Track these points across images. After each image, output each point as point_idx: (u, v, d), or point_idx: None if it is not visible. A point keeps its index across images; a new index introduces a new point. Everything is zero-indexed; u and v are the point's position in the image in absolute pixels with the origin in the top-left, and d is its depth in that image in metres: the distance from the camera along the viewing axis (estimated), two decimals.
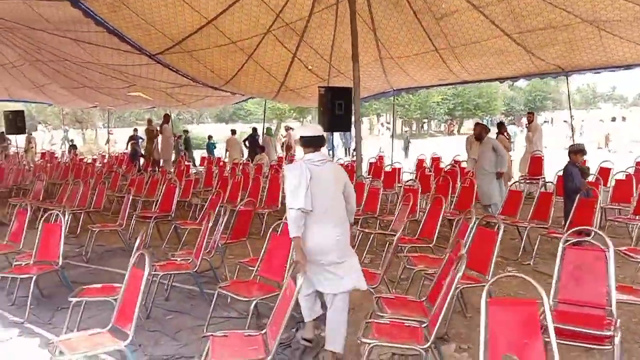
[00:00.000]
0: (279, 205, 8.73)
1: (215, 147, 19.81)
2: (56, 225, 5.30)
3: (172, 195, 7.89)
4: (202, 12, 8.96)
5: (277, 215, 9.06)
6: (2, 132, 22.06)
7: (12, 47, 15.02)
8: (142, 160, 15.89)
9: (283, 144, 18.61)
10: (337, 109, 9.21)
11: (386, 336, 3.25)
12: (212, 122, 52.78)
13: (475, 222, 4.75)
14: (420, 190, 7.67)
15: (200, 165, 16.37)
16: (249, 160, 14.99)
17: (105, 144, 23.07)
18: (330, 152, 24.27)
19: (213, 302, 4.41)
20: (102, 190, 8.85)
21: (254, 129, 17.10)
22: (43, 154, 20.70)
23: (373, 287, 4.33)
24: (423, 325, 3.43)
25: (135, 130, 20.18)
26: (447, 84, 14.03)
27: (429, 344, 3.10)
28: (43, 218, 5.45)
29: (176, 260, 5.30)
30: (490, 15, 8.37)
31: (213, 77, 12.28)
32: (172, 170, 14.44)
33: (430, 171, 10.63)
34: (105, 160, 17.12)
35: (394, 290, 5.10)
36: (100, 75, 14.58)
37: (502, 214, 7.26)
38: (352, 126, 9.66)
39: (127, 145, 19.59)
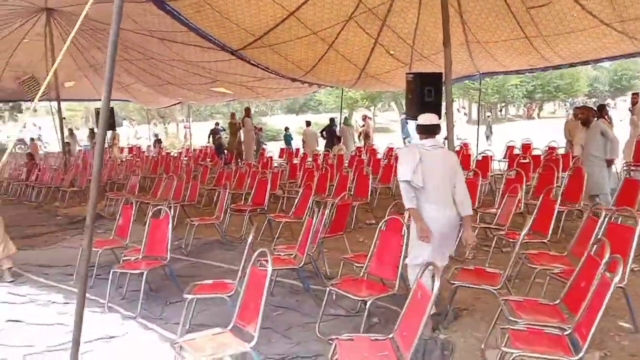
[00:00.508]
0: (369, 197, 8.52)
1: (292, 139, 19.87)
2: (163, 220, 5.39)
3: (264, 188, 7.89)
4: (284, 4, 8.88)
5: (366, 208, 8.89)
6: (93, 129, 23.35)
7: (102, 48, 15.75)
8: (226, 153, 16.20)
9: (360, 133, 18.32)
10: (427, 96, 8.86)
11: (527, 345, 2.97)
12: (282, 113, 53.42)
13: (605, 217, 4.32)
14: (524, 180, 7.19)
15: (279, 157, 16.44)
16: (327, 151, 14.87)
17: (184, 138, 23.84)
18: (406, 140, 23.76)
19: (325, 299, 4.28)
20: (196, 185, 9.03)
21: (332, 120, 16.95)
22: (130, 149, 21.68)
23: (495, 288, 4.03)
24: (565, 333, 3.11)
25: (217, 124, 20.68)
26: (538, 69, 13.23)
27: (581, 354, 2.79)
28: (151, 213, 5.56)
29: (280, 255, 5.24)
30: (587, 5, 7.75)
31: (293, 69, 12.25)
32: (254, 162, 14.63)
33: (525, 159, 10.00)
34: (190, 154, 17.58)
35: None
36: (183, 72, 14.99)
37: (617, 205, 6.65)
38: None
39: (209, 139, 20.10)
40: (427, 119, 4.27)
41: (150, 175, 13.20)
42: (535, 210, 5.69)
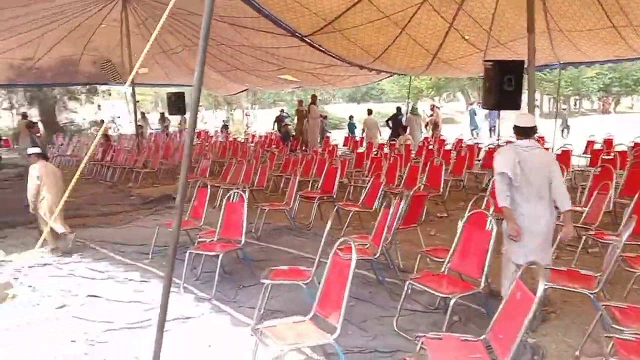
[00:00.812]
0: (440, 190, 8.22)
1: (355, 127, 19.66)
2: (239, 203, 5.39)
3: (333, 176, 7.79)
4: None
5: (436, 200, 8.60)
6: (163, 113, 24.09)
7: (174, 33, 16.12)
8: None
9: (428, 123, 17.84)
10: (507, 85, 8.42)
11: (638, 357, 2.69)
12: (343, 102, 53.12)
13: None
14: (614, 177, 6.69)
15: (343, 145, 16.29)
16: (393, 141, 14.57)
17: (246, 126, 24.13)
18: (474, 132, 22.95)
19: (404, 293, 4.11)
20: (265, 170, 9.05)
21: (398, 109, 16.61)
22: (198, 133, 22.19)
23: (592, 292, 3.73)
24: None
25: (282, 110, 20.78)
26: (625, 60, 12.35)
27: None
28: (226, 196, 5.57)
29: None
30: None
31: (362, 55, 12.01)
32: (319, 150, 14.57)
33: (609, 154, 9.35)
34: (256, 140, 17.76)
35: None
36: (251, 59, 15.10)
37: None
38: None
39: (274, 125, 20.25)
40: (524, 121, 4.34)
41: (219, 159, 13.43)
42: (630, 209, 5.24)
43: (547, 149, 11.41)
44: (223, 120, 24.90)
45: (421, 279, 4.07)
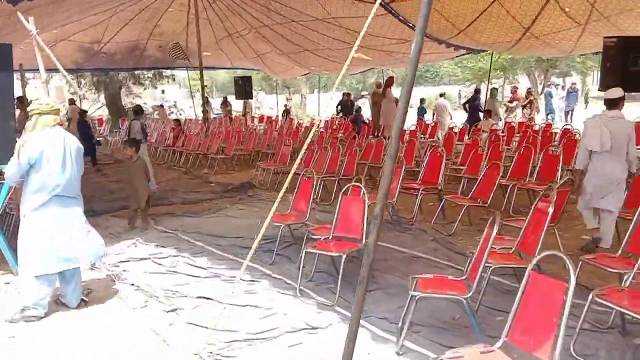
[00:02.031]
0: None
1: (426, 111, 18.74)
2: (358, 198, 4.82)
3: (437, 165, 7.10)
4: None
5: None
6: (225, 97, 23.91)
7: (242, 15, 15.69)
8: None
9: (508, 107, 16.65)
10: (632, 64, 7.46)
11: None
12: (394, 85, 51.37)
13: None
14: None
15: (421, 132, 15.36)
16: (473, 126, 13.63)
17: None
18: (549, 116, 21.56)
19: (584, 311, 3.42)
20: (353, 158, 8.48)
21: (477, 90, 15.61)
22: (261, 118, 21.87)
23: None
24: None
25: (347, 94, 20.06)
26: None
27: None
28: (343, 190, 5.01)
29: (495, 248, 4.43)
30: None
31: (446, 27, 11.03)
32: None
33: None
34: (322, 125, 17.16)
35: None
36: (322, 37, 14.48)
37: None
38: None
39: (337, 110, 19.62)
40: (612, 93, 5.46)
41: (296, 146, 12.94)
42: None
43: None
44: (284, 106, 24.44)
45: (608, 295, 3.36)
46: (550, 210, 4.00)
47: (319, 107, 21.92)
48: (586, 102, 31.40)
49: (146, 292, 4.69)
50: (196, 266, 5.34)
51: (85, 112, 14.23)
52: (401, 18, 10.91)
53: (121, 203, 8.50)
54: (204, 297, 4.53)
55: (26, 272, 4.17)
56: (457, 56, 16.82)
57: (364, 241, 4.61)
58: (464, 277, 3.71)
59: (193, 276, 5.08)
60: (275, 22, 15.00)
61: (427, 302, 3.90)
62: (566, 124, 13.82)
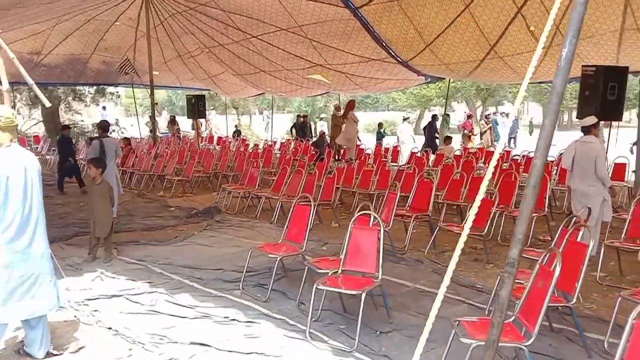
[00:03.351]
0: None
1: (383, 135, 18.69)
2: (371, 229, 4.37)
3: (428, 191, 6.79)
4: None
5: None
6: (173, 116, 22.96)
7: (195, 34, 15.10)
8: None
9: (469, 135, 16.60)
10: (609, 94, 7.56)
11: None
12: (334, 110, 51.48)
13: None
14: None
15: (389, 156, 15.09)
16: (426, 151, 13.59)
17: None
18: (495, 142, 22.15)
19: None
20: (331, 182, 8.07)
21: (434, 116, 15.76)
22: (210, 138, 21.09)
23: None
24: None
25: (304, 116, 19.71)
26: None
27: None
28: (353, 218, 4.53)
29: (523, 283, 4.10)
30: None
31: (413, 39, 10.81)
32: (353, 158, 13.58)
33: None
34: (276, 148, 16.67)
35: None
36: (282, 54, 14.08)
37: None
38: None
39: (292, 132, 19.18)
40: (586, 121, 6.31)
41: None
42: None
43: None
44: (235, 126, 23.77)
45: None
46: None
47: (272, 129, 21.39)
48: (531, 129, 33.00)
49: (128, 337, 3.98)
50: (179, 304, 4.67)
51: (68, 127, 12.91)
52: (370, 28, 10.69)
53: (74, 229, 7.66)
54: (199, 344, 3.89)
55: None
56: (415, 84, 16.93)
57: (379, 276, 4.16)
58: (511, 320, 3.32)
59: (178, 317, 4.41)
60: (232, 41, 14.51)
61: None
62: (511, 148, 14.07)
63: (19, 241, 3.43)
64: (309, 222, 5.03)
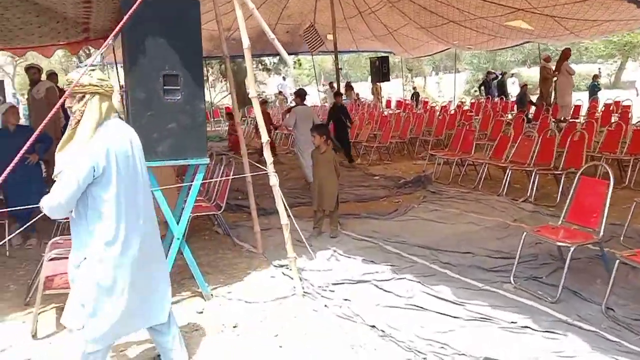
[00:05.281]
0: None
1: (599, 89, 16.00)
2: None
3: None
4: None
5: None
6: (349, 82, 22.61)
7: None
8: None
9: None
10: None
11: None
12: (515, 66, 46.22)
13: None
14: None
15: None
16: None
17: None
18: None
19: None
20: (580, 147, 6.60)
21: None
22: (388, 102, 20.28)
23: None
24: None
25: (491, 72, 17.90)
26: None
27: None
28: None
29: None
30: None
31: None
32: (567, 117, 11.63)
33: None
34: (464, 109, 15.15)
35: None
36: (476, 2, 12.43)
37: None
38: None
39: (480, 90, 17.46)
40: None
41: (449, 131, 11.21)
42: None
43: None
44: (413, 88, 22.60)
45: None
46: None
47: (455, 89, 19.74)
48: None
49: (400, 342, 3.26)
50: (442, 298, 3.84)
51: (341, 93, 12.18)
52: None
53: (289, 200, 7.33)
54: None
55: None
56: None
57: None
58: None
59: (450, 317, 3.57)
60: None
61: None
62: None
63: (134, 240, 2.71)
64: (606, 200, 3.80)
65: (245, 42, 4.11)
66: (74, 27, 7.01)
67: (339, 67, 15.03)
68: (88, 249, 2.54)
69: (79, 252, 2.57)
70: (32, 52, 8.96)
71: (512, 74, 20.13)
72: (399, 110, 16.71)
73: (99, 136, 2.54)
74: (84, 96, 2.57)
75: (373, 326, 3.47)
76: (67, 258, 2.72)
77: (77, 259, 2.57)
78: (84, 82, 2.55)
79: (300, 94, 8.39)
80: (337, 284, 4.20)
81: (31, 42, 7.67)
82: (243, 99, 21.74)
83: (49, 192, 2.52)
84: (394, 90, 23.90)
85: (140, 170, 2.73)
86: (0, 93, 12.02)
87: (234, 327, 3.66)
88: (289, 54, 21.81)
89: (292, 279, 4.30)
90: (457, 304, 3.73)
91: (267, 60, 21.27)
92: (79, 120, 2.56)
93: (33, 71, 7.99)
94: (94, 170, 2.47)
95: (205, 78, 21.15)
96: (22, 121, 10.74)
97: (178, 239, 4.05)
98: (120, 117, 2.74)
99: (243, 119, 18.94)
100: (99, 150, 2.49)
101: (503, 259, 4.61)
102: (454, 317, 3.54)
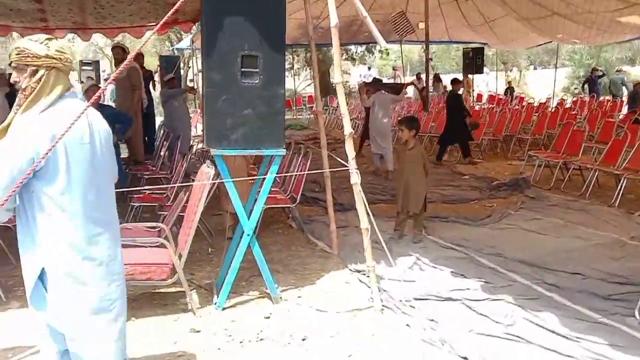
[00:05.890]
0: None
1: None
2: None
3: None
4: None
5: None
6: (437, 74, 21.61)
7: None
8: None
9: None
10: None
11: None
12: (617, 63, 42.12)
13: None
14: None
15: None
16: None
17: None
18: None
19: None
20: None
21: None
22: (479, 96, 19.14)
23: None
24: None
25: (596, 69, 16.30)
26: None
27: None
28: None
29: None
30: None
31: None
32: None
33: None
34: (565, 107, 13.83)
35: None
36: None
37: None
38: None
39: (583, 87, 15.96)
40: None
41: (551, 130, 10.20)
42: None
43: None
44: (508, 82, 21.22)
45: None
46: None
47: (554, 85, 18.18)
48: None
49: None
50: (550, 330, 3.21)
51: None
52: None
53: (369, 196, 6.85)
54: None
55: None
56: None
57: None
58: None
59: (559, 354, 2.95)
60: None
61: None
62: None
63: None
64: None
65: (334, 20, 3.65)
66: (162, 8, 6.94)
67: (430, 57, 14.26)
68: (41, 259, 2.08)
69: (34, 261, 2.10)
70: (124, 34, 9.06)
71: (617, 71, 18.21)
72: (492, 105, 15.61)
73: (44, 120, 2.07)
74: (37, 70, 2.10)
75: (465, 358, 2.92)
76: None
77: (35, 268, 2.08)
78: (39, 54, 2.08)
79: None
80: (421, 299, 3.68)
81: (122, 20, 7.73)
82: (326, 88, 21.49)
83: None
84: (482, 83, 22.56)
85: (103, 161, 2.20)
86: (94, 72, 12.45)
87: (303, 339, 3.26)
88: (376, 43, 21.28)
89: (369, 287, 3.83)
90: (569, 339, 3.09)
91: (354, 48, 20.78)
92: (27, 99, 2.10)
93: (117, 50, 8.07)
94: (34, 162, 1.97)
95: (290, 66, 21.17)
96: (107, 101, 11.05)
97: (248, 235, 3.71)
98: (80, 98, 2.25)
99: (325, 108, 18.62)
100: (41, 137, 2.01)
101: (621, 284, 3.88)
102: (567, 355, 2.91)
